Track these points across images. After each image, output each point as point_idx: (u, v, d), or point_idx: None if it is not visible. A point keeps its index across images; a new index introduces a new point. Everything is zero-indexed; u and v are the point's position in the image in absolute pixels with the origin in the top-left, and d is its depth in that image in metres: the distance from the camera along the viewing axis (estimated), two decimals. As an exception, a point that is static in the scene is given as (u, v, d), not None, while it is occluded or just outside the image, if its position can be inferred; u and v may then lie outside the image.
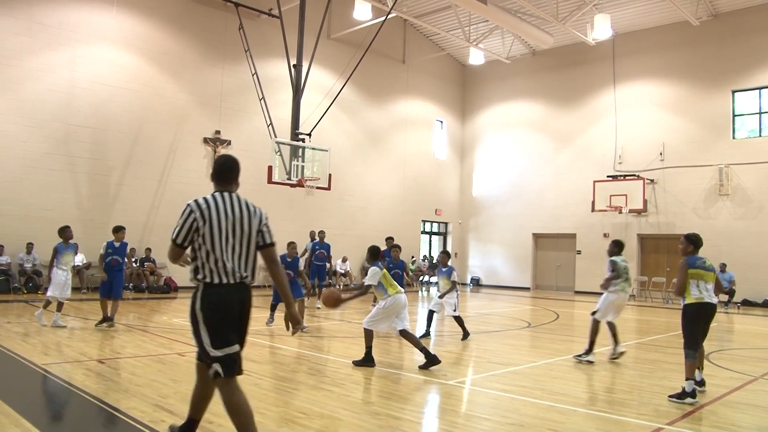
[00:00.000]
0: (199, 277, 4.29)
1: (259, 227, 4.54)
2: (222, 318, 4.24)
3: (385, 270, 8.75)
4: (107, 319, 11.25)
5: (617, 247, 9.67)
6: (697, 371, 7.11)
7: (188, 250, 4.39)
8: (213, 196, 4.46)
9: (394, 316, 8.51)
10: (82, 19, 18.85)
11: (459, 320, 11.31)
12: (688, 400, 6.62)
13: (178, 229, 4.34)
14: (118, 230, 11.70)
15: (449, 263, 11.50)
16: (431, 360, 8.22)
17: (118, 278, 11.46)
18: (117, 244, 11.59)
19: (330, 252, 17.54)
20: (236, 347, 4.27)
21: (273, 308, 12.27)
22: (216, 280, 4.26)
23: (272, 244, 4.59)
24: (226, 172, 4.66)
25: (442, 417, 6.14)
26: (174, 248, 4.40)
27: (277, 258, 4.60)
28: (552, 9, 22.68)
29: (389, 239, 16.27)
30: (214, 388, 4.49)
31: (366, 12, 22.64)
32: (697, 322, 7.36)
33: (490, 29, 26.11)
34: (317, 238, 17.60)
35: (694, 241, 8.10)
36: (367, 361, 8.32)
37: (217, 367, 4.17)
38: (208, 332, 4.21)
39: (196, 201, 4.39)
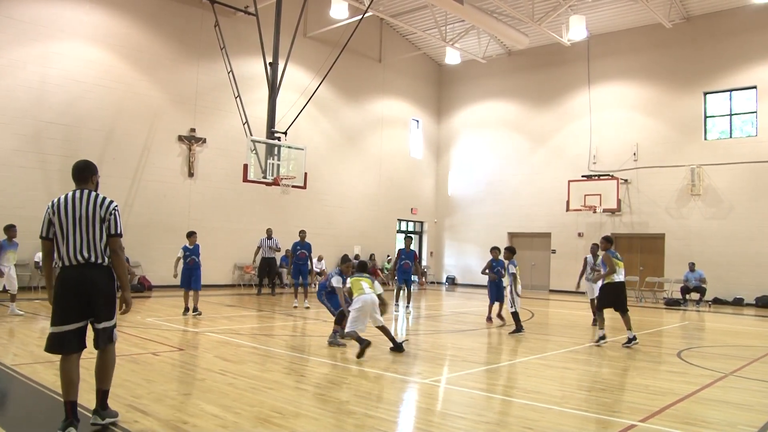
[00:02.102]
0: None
1: (105, 216, 5.12)
2: (62, 297, 4.99)
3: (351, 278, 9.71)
4: (193, 310, 13.51)
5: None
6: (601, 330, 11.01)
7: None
8: (66, 194, 5.21)
9: (369, 314, 9.14)
10: (55, 15, 18.57)
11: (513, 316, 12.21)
12: (602, 342, 10.80)
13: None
14: (191, 235, 13.86)
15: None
16: (396, 347, 9.36)
17: (196, 274, 13.57)
18: (191, 246, 13.71)
19: (311, 252, 17.29)
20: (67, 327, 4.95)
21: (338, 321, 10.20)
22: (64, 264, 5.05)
23: (116, 235, 5.15)
24: (77, 173, 5.35)
25: (418, 416, 6.15)
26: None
27: (117, 249, 5.17)
28: (528, 10, 22.81)
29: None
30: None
31: (342, 11, 22.60)
32: (617, 294, 10.94)
33: (466, 29, 26.21)
34: (298, 238, 17.30)
35: (611, 240, 11.28)
36: (362, 346, 8.69)
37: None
38: (54, 310, 5.03)
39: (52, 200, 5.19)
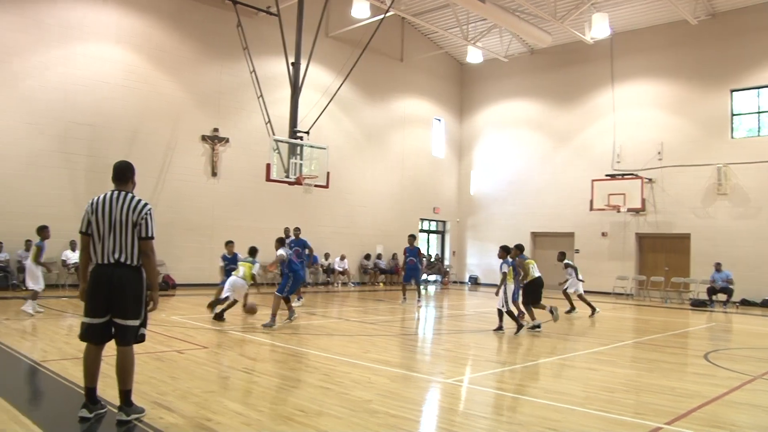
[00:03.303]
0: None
1: (137, 221, 5.31)
2: (93, 292, 5.23)
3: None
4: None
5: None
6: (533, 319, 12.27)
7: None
8: (105, 193, 5.40)
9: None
10: (81, 17, 18.80)
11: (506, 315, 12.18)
12: (536, 330, 11.99)
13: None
14: (229, 243, 14.25)
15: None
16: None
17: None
18: (230, 256, 14.06)
19: (306, 247, 16.10)
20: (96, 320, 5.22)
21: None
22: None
23: (147, 238, 5.36)
24: (117, 174, 5.50)
25: (441, 415, 6.14)
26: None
27: (148, 251, 5.37)
28: (550, 8, 22.66)
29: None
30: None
31: (364, 10, 22.61)
32: (537, 290, 12.56)
33: (489, 28, 26.10)
34: (292, 235, 16.60)
35: (521, 248, 12.89)
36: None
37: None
38: (85, 303, 5.30)
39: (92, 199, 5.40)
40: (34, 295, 12.42)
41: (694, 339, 13.17)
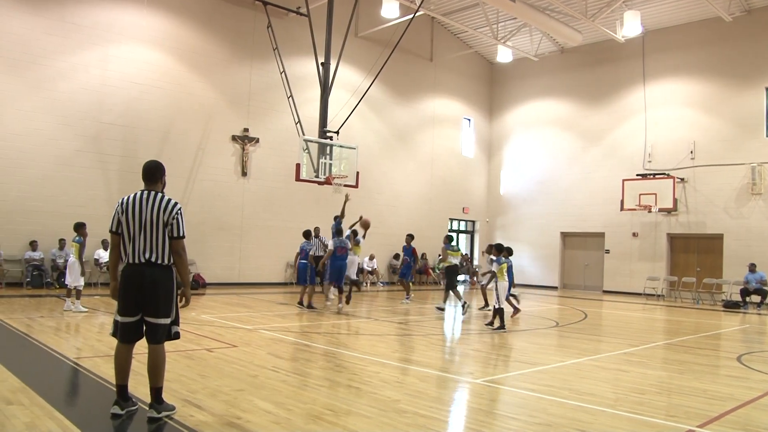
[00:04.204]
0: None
1: (168, 220, 5.34)
2: (125, 292, 5.30)
3: None
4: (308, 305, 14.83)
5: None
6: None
7: None
8: (135, 193, 5.43)
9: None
10: (114, 19, 19.11)
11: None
12: (464, 310, 14.75)
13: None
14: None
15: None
16: None
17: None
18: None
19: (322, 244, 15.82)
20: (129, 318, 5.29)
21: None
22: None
23: (178, 238, 5.41)
24: (147, 174, 5.52)
25: (469, 416, 6.13)
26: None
27: (180, 250, 5.43)
28: (581, 6, 22.46)
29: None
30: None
31: (393, 10, 22.62)
32: (454, 276, 15.59)
33: (518, 27, 25.96)
34: (322, 235, 16.50)
35: (451, 238, 15.80)
36: None
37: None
38: (118, 301, 5.35)
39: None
40: (78, 294, 12.67)
41: (727, 341, 12.96)
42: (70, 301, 12.63)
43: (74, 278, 12.61)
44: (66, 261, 17.72)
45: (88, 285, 12.95)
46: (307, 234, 15.81)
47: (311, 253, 15.08)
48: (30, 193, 17.54)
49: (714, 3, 21.59)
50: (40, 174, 17.68)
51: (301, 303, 15.11)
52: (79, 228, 12.52)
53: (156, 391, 5.33)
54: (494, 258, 12.53)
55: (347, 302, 15.05)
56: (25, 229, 17.46)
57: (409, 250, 18.22)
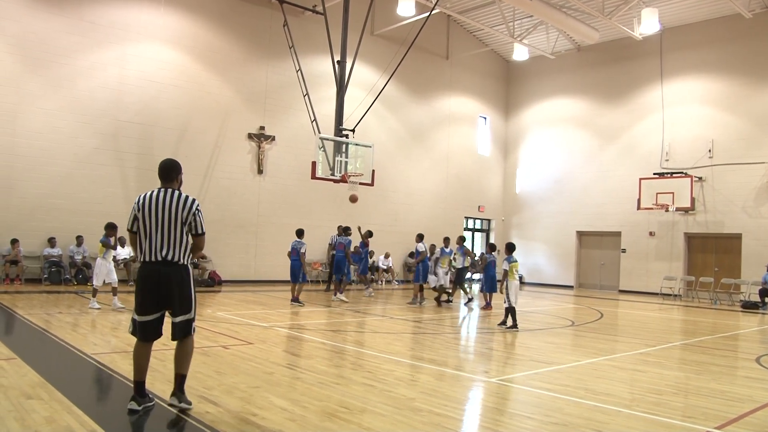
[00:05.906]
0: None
1: (187, 217, 5.38)
2: (142, 290, 5.33)
3: None
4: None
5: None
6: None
7: None
8: (152, 191, 5.44)
9: None
10: (131, 18, 19.24)
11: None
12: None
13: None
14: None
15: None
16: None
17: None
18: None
19: (348, 246, 17.79)
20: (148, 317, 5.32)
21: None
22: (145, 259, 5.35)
23: (200, 234, 5.50)
24: (163, 172, 5.52)
25: (485, 414, 6.12)
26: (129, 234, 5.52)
27: (201, 245, 5.59)
28: (598, 3, 22.31)
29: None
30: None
31: (409, 8, 22.57)
32: (464, 275, 16.45)
33: (535, 24, 25.84)
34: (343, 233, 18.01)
35: (463, 238, 17.60)
36: None
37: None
38: (135, 300, 5.39)
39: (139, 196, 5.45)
40: (114, 291, 12.82)
41: (745, 342, 12.85)
42: (95, 300, 12.69)
43: (96, 277, 12.73)
44: (83, 257, 18.06)
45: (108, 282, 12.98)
46: (299, 233, 15.85)
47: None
48: (50, 191, 17.70)
49: (733, 0, 21.37)
50: (60, 172, 17.85)
51: (296, 300, 15.21)
52: (108, 228, 12.61)
53: (180, 378, 5.44)
54: (506, 257, 12.42)
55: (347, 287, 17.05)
56: (44, 226, 17.64)
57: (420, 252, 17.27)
